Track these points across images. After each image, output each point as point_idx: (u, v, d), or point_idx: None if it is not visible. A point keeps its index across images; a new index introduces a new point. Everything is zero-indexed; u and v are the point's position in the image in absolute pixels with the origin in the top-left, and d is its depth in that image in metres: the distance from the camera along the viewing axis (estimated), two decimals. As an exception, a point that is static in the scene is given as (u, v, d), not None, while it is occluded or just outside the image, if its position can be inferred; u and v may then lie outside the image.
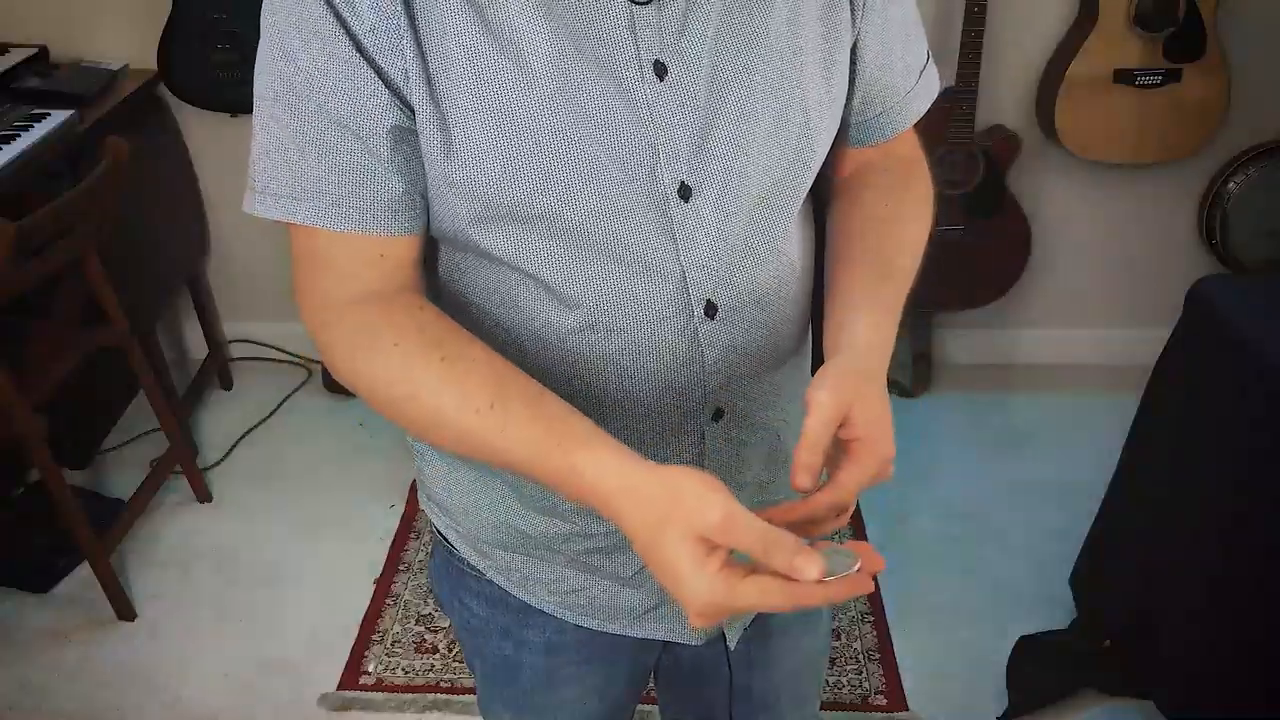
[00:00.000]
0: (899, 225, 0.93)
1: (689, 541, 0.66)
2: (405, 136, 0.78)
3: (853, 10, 0.87)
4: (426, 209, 0.82)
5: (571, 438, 0.72)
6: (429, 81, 0.76)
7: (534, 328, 0.85)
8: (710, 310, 0.86)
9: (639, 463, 0.70)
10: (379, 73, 0.75)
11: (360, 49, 0.75)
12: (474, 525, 0.99)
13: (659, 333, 0.85)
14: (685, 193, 0.81)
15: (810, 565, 0.64)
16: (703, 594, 0.66)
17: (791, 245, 0.91)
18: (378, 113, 0.76)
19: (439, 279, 0.89)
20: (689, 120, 0.80)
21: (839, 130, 0.93)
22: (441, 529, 1.04)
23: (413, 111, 0.77)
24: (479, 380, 0.75)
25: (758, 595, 0.66)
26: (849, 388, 0.78)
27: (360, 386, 0.80)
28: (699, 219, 0.82)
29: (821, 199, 0.98)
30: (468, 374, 0.76)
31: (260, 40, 0.78)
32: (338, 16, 0.74)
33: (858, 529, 2.43)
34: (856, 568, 0.66)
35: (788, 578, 0.65)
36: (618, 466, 0.70)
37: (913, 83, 0.96)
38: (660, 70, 0.78)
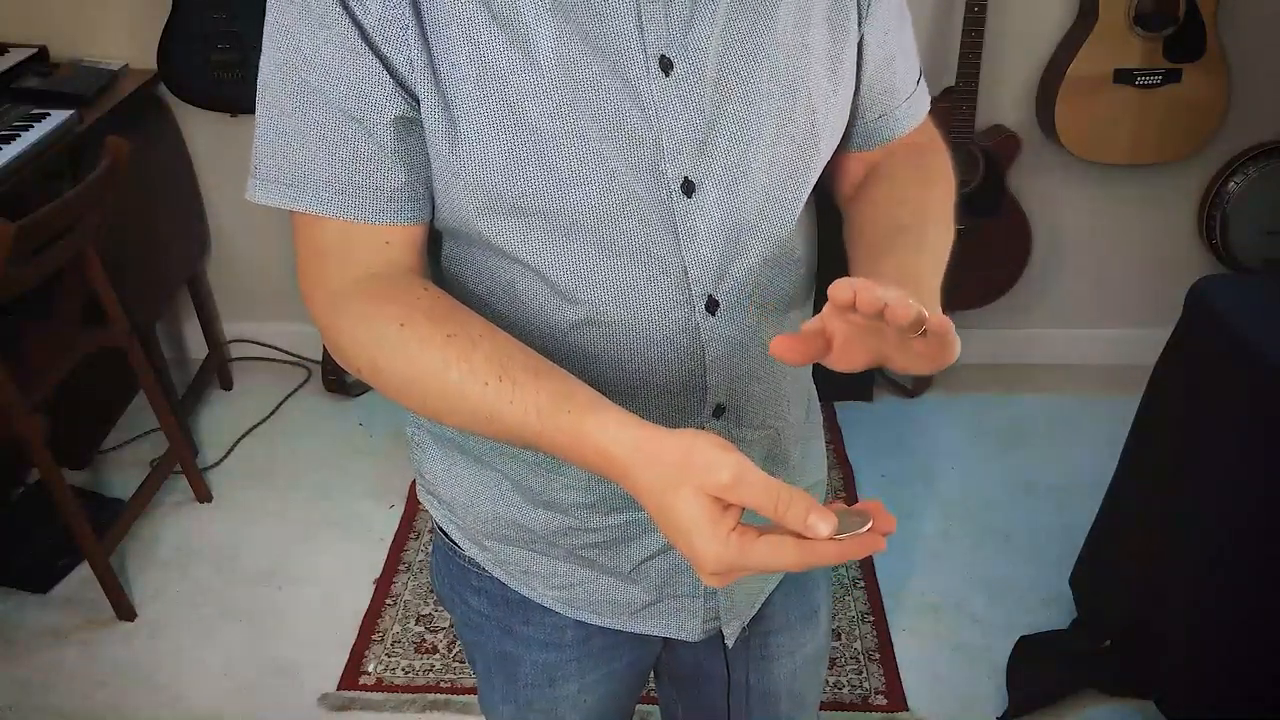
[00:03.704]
0: (923, 234, 0.90)
1: (702, 501, 0.66)
2: (410, 127, 0.78)
3: (859, 10, 0.87)
4: (431, 199, 0.82)
5: (580, 405, 0.72)
6: (434, 71, 0.76)
7: (535, 322, 0.85)
8: (711, 306, 0.86)
9: (648, 426, 0.70)
10: (384, 62, 0.76)
11: (366, 38, 0.75)
12: (473, 518, 0.99)
13: (660, 328, 0.85)
14: (688, 188, 0.81)
15: (823, 522, 0.64)
16: (716, 554, 0.66)
17: (795, 242, 0.91)
18: (382, 103, 0.76)
19: (441, 271, 0.90)
20: (693, 116, 0.80)
21: (841, 138, 0.93)
22: (440, 522, 1.04)
23: (418, 101, 0.77)
24: (485, 355, 0.75)
25: (770, 554, 0.65)
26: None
27: (367, 369, 0.80)
28: (702, 214, 0.82)
29: (825, 195, 0.98)
30: (474, 349, 0.76)
31: (265, 27, 0.79)
32: (344, 6, 0.74)
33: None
34: (868, 527, 0.66)
35: (801, 537, 0.65)
36: (628, 430, 0.70)
37: (912, 87, 0.97)
38: (666, 65, 0.78)
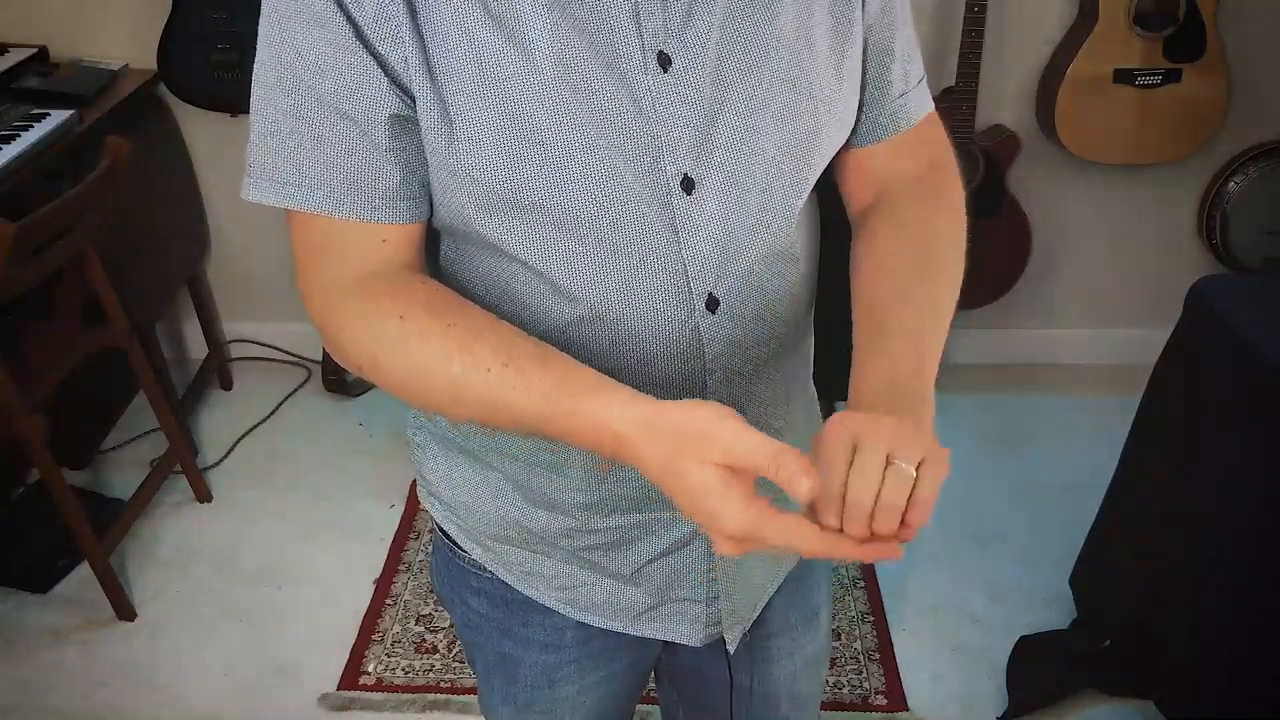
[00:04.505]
0: (932, 305, 0.88)
1: (709, 467, 0.67)
2: (405, 125, 0.78)
3: (863, 3, 0.87)
4: (428, 197, 0.82)
5: (584, 386, 0.73)
6: (429, 69, 0.76)
7: (534, 319, 0.85)
8: (711, 304, 0.86)
9: (652, 401, 0.71)
10: (379, 60, 0.75)
11: (361, 37, 0.75)
12: (474, 519, 0.99)
13: (659, 326, 0.85)
14: (688, 185, 0.81)
15: (805, 480, 0.65)
16: (735, 518, 0.67)
17: (796, 239, 0.90)
18: (377, 101, 0.76)
19: (439, 269, 0.89)
20: (692, 112, 0.79)
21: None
22: (441, 522, 1.04)
23: (413, 99, 0.77)
24: (487, 344, 0.75)
25: (790, 530, 0.67)
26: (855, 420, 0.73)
27: (367, 366, 0.80)
28: (701, 212, 0.82)
29: (826, 194, 0.98)
30: (476, 339, 0.76)
31: (260, 26, 0.78)
32: (339, 4, 0.74)
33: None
34: None
35: (824, 527, 0.67)
36: (632, 407, 0.70)
37: (908, 85, 0.95)
38: (664, 61, 0.78)
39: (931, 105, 0.98)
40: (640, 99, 0.78)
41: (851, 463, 0.69)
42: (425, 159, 0.80)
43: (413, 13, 0.75)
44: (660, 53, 0.78)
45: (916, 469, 0.69)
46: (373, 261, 0.81)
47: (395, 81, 0.76)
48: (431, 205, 0.83)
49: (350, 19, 0.74)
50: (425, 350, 0.77)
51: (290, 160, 0.78)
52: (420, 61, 0.75)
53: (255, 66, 0.79)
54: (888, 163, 0.96)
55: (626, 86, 0.78)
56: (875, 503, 0.68)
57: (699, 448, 0.67)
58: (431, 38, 0.75)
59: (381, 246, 0.81)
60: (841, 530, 0.68)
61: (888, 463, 0.69)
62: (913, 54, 0.95)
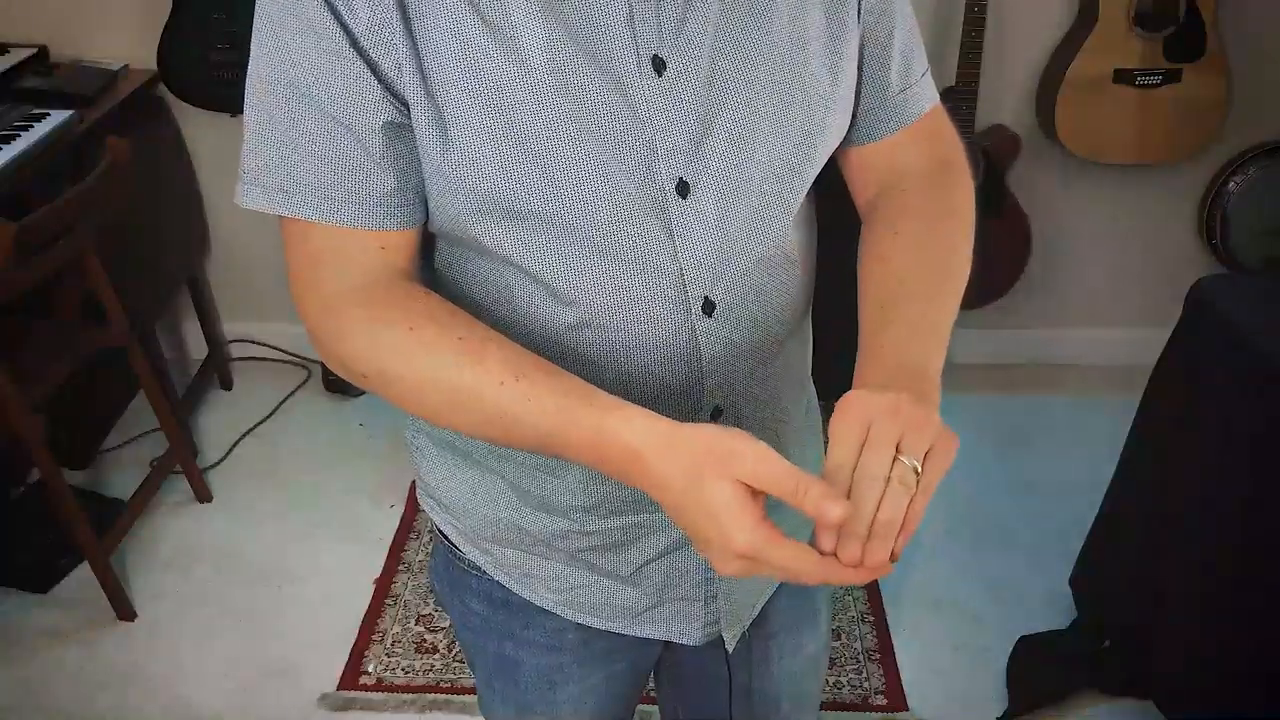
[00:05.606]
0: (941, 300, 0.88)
1: (728, 486, 0.67)
2: (400, 132, 0.78)
3: (860, 6, 0.87)
4: (423, 204, 0.82)
5: (599, 402, 0.73)
6: (423, 75, 0.75)
7: (530, 324, 0.85)
8: (708, 307, 0.85)
9: (667, 420, 0.71)
10: (373, 68, 0.75)
11: (355, 44, 0.74)
12: (473, 522, 0.99)
13: (656, 330, 0.85)
14: (683, 189, 0.81)
15: (836, 507, 0.65)
16: (742, 540, 0.67)
17: (793, 241, 0.90)
18: (371, 108, 0.76)
19: (435, 274, 0.89)
20: (687, 116, 0.79)
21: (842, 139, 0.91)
22: (441, 525, 1.04)
23: (408, 106, 0.76)
24: (497, 357, 0.75)
25: (793, 557, 0.68)
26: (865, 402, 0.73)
27: (373, 375, 0.80)
28: (697, 215, 0.82)
29: (824, 194, 0.97)
30: (485, 352, 0.76)
31: (254, 31, 0.78)
32: (333, 11, 0.74)
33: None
34: None
35: (822, 553, 0.68)
36: (649, 424, 0.71)
37: (912, 81, 0.94)
38: (659, 65, 0.78)
39: (936, 98, 0.97)
40: (635, 103, 0.78)
41: (859, 457, 0.70)
42: (421, 165, 0.79)
43: (406, 19, 0.75)
44: (655, 56, 0.78)
45: (923, 461, 0.69)
46: (372, 269, 0.80)
47: (389, 88, 0.76)
48: (427, 210, 0.82)
49: (344, 26, 0.74)
50: (435, 361, 0.77)
51: (284, 166, 0.78)
52: (414, 68, 0.75)
53: (249, 72, 0.79)
54: (891, 158, 0.96)
55: (621, 91, 0.77)
56: (874, 518, 0.69)
57: (721, 464, 0.68)
58: (425, 44, 0.75)
59: (379, 254, 0.80)
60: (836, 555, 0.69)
61: (895, 457, 0.69)
62: (914, 49, 0.94)
